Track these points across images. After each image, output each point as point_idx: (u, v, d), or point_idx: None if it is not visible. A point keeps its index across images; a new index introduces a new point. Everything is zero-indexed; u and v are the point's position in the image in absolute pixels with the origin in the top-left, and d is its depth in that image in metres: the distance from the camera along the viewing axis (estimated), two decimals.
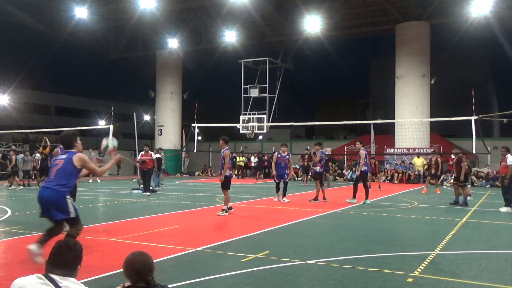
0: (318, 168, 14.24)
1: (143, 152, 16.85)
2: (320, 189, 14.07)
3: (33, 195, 16.26)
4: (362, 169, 13.59)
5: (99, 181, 24.53)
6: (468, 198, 15.69)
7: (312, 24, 27.66)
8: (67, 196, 5.84)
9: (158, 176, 18.68)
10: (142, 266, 2.71)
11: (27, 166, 21.58)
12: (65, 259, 2.65)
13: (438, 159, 18.57)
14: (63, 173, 5.81)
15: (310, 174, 27.92)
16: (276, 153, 14.31)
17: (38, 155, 22.32)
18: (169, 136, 34.79)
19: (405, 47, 27.31)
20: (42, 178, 20.22)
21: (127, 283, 2.75)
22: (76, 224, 5.95)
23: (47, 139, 20.54)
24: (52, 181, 5.83)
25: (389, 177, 25.99)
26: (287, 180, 14.08)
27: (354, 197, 13.61)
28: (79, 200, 14.40)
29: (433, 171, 18.50)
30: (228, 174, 10.90)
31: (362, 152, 13.59)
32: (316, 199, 13.98)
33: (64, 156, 5.93)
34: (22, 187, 20.22)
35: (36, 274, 2.61)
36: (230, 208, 11.15)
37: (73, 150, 6.03)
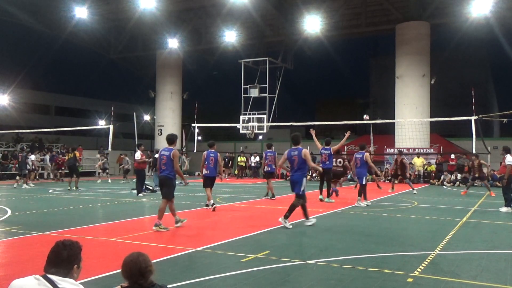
0: (266, 168, 15.18)
1: (141, 152, 16.58)
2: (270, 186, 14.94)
3: (33, 195, 16.26)
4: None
5: (110, 181, 24.60)
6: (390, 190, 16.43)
7: (312, 24, 27.64)
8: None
9: (158, 176, 18.60)
10: (135, 269, 2.70)
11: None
12: (60, 258, 2.64)
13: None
14: None
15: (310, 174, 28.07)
16: (365, 154, 13.48)
17: (38, 155, 22.44)
18: None
19: (405, 47, 27.29)
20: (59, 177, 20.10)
21: (126, 283, 2.75)
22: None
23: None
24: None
25: (389, 177, 25.96)
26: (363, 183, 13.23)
27: (328, 196, 14.03)
28: (79, 200, 14.42)
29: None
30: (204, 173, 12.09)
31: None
32: (272, 196, 14.61)
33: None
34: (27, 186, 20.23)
35: (34, 275, 2.59)
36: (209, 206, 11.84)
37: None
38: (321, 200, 13.87)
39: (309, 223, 9.10)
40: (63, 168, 24.03)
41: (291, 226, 8.80)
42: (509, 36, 35.84)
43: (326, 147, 13.96)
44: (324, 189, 14.30)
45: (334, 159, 14.33)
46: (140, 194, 16.02)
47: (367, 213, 11.34)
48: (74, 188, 17.74)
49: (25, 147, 26.10)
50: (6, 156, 26.86)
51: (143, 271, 2.71)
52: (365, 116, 18.76)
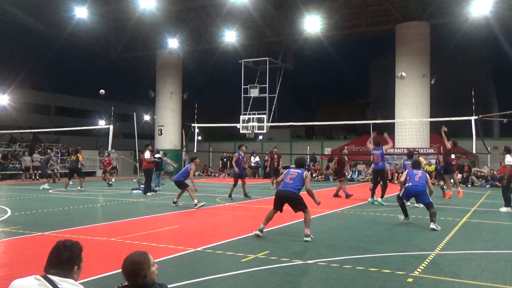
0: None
1: (149, 152, 16.77)
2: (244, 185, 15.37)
3: (33, 195, 16.26)
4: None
5: (113, 180, 24.62)
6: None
7: (312, 24, 27.63)
8: None
9: (158, 176, 18.68)
10: (127, 269, 2.70)
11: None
12: (60, 259, 2.63)
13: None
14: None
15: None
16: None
17: (37, 155, 22.45)
18: (169, 136, 34.76)
19: (405, 47, 27.29)
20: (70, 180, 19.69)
21: (126, 283, 2.74)
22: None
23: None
24: None
25: (389, 177, 25.95)
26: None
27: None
28: (79, 200, 14.42)
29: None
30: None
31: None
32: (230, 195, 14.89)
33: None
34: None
35: (34, 275, 2.59)
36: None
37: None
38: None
39: (436, 227, 8.97)
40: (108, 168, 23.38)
41: (440, 228, 8.94)
42: (509, 36, 35.90)
43: (377, 147, 13.77)
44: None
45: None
46: (148, 194, 16.21)
47: (367, 213, 11.35)
48: (78, 188, 17.73)
49: (53, 149, 25.90)
50: (6, 156, 26.87)
51: (130, 274, 2.69)
52: (400, 74, 18.24)
